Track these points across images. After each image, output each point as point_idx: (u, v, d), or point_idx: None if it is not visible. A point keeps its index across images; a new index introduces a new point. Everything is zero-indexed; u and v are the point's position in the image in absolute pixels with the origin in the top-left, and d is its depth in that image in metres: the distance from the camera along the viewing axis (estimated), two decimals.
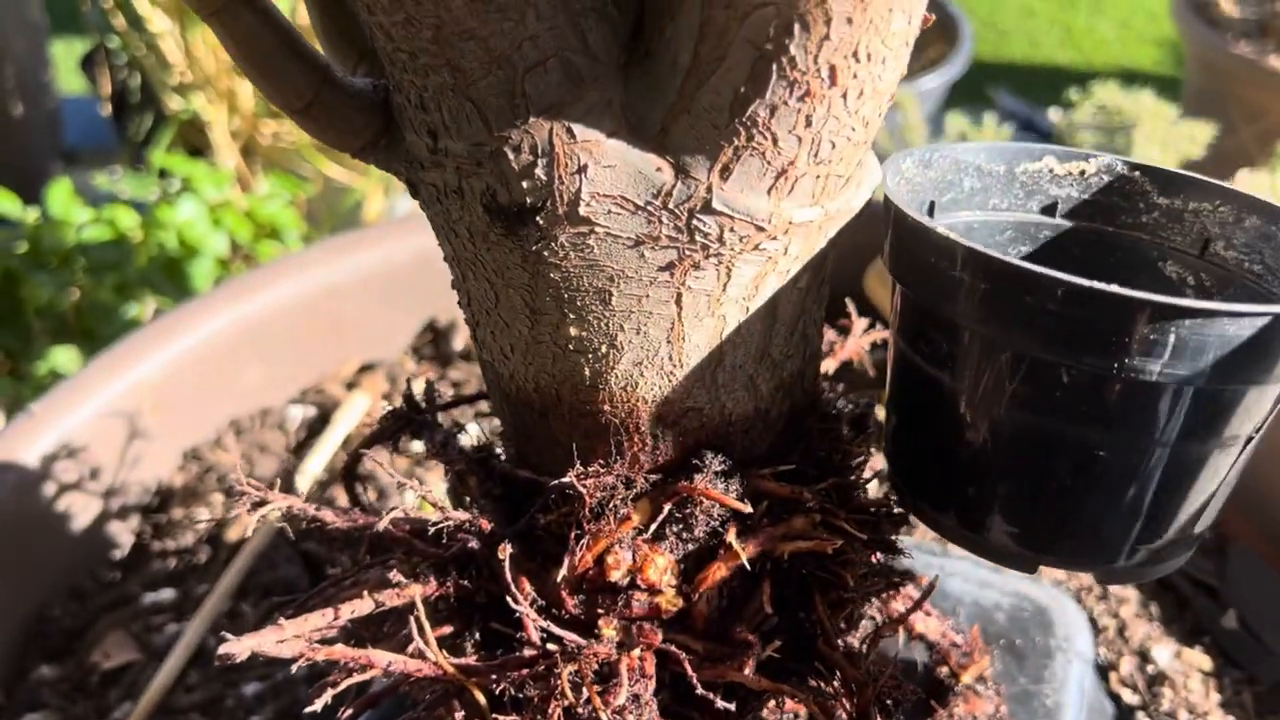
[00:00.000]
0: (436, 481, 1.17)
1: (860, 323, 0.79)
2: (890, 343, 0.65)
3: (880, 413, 0.69)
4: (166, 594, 1.13)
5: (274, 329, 1.32)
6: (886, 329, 0.80)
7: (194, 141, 2.31)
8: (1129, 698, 1.00)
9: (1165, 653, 1.03)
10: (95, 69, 2.82)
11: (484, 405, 0.75)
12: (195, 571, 1.16)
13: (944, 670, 0.82)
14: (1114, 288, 0.49)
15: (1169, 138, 2.10)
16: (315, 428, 1.33)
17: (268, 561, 1.14)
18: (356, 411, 1.33)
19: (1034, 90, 3.37)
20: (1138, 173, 0.65)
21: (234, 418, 1.32)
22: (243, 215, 1.82)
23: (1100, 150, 0.71)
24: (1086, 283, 0.49)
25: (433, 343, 1.45)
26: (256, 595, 1.11)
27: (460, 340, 1.43)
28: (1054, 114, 2.35)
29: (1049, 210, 0.66)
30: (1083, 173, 0.66)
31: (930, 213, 0.63)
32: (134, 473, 1.20)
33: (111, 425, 1.17)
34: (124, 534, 1.19)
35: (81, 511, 1.14)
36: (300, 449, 1.30)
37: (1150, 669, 1.02)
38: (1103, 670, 1.02)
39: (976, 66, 3.03)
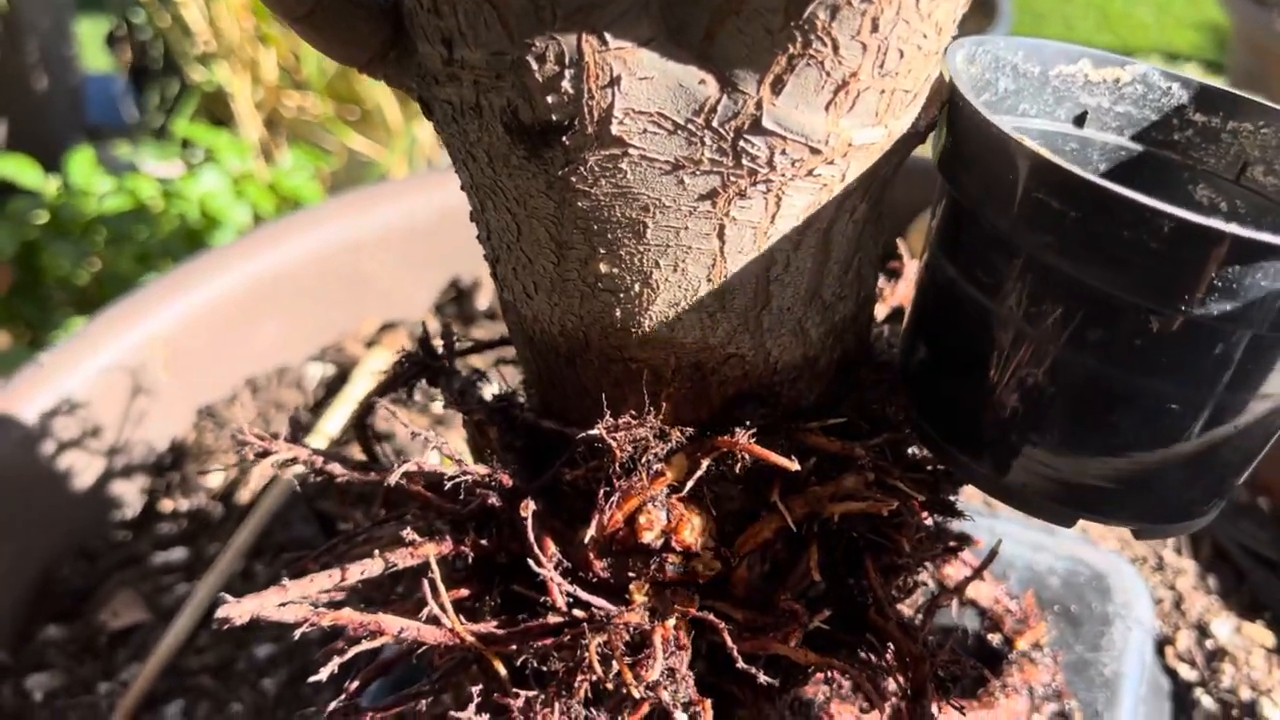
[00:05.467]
0: (457, 441, 1.12)
1: (913, 265, 0.73)
2: (924, 256, 0.58)
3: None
4: (178, 554, 1.09)
5: (292, 284, 1.27)
6: None
7: (217, 113, 2.27)
8: (1186, 673, 0.94)
9: (1225, 627, 0.98)
10: (119, 45, 2.77)
11: (507, 352, 0.70)
12: (207, 531, 1.12)
13: (997, 637, 0.77)
14: (1256, 232, 0.42)
15: None
16: (334, 386, 1.29)
17: (282, 521, 1.10)
18: (376, 371, 1.28)
19: None
20: (1175, 85, 0.60)
21: (250, 375, 1.28)
22: (265, 187, 1.79)
23: None
24: (1208, 221, 0.43)
25: (456, 301, 1.40)
26: (270, 555, 1.07)
27: (485, 299, 1.38)
28: None
29: (1078, 120, 0.61)
30: (1117, 80, 0.60)
31: None
32: (145, 430, 1.16)
33: (122, 381, 1.12)
34: (135, 493, 1.15)
35: (91, 469, 1.10)
36: (318, 408, 1.25)
37: (1209, 644, 0.96)
38: (1158, 645, 0.96)
39: None
